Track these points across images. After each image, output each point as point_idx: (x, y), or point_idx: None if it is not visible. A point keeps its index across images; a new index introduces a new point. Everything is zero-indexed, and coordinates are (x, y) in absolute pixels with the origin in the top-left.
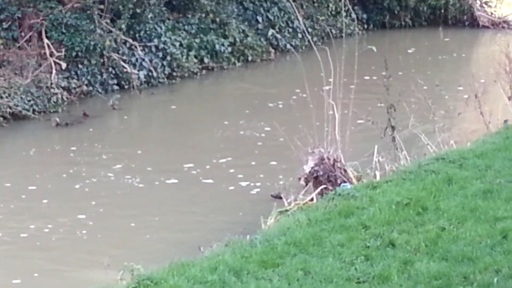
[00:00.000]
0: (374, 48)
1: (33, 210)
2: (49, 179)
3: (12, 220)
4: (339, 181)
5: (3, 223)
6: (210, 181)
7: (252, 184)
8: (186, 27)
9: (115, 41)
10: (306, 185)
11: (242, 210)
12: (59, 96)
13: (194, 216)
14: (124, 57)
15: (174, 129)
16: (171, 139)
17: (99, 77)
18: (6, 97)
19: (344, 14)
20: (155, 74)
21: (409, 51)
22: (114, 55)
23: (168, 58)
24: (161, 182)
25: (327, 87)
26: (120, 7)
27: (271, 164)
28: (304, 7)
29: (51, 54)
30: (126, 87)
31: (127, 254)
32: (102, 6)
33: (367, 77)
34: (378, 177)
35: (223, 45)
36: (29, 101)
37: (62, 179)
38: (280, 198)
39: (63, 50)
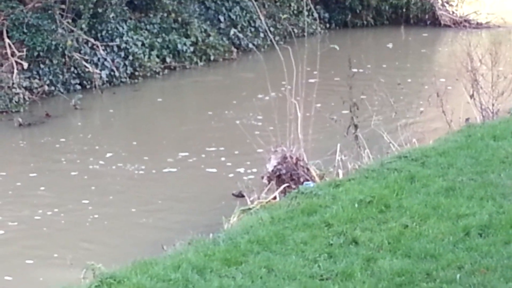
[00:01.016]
0: (337, 47)
1: None
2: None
3: None
4: (302, 180)
5: None
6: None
7: (214, 183)
8: (148, 27)
9: (77, 40)
10: (269, 183)
11: (204, 208)
12: (21, 96)
13: (158, 213)
14: (86, 57)
15: (136, 128)
16: (135, 136)
17: (61, 76)
18: None
19: (306, 13)
20: (117, 73)
21: (376, 49)
22: (76, 55)
23: (130, 57)
24: (135, 174)
25: (289, 86)
26: (81, 6)
27: (233, 164)
28: (266, 6)
29: (13, 54)
30: (88, 86)
31: (91, 251)
32: (63, 6)
33: (329, 76)
34: (341, 176)
35: (185, 44)
36: None
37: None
38: (242, 196)
39: (25, 50)
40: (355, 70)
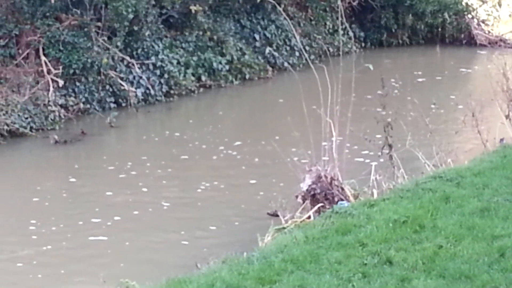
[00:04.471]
0: (371, 66)
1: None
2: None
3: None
4: (336, 199)
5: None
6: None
7: (248, 203)
8: (183, 45)
9: (113, 58)
10: (303, 203)
11: (239, 228)
12: (57, 113)
13: (191, 233)
14: (122, 75)
15: (169, 147)
16: (169, 157)
17: (96, 94)
18: (4, 115)
19: (341, 32)
20: (152, 92)
21: (408, 69)
22: (112, 73)
23: (166, 76)
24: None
25: (324, 106)
26: (117, 24)
27: (271, 182)
28: (302, 25)
29: (49, 72)
30: (123, 104)
31: (125, 268)
32: (99, 24)
33: (364, 95)
34: (375, 195)
35: (220, 63)
36: (26, 118)
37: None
38: (276, 215)
39: (61, 67)
40: (392, 89)
